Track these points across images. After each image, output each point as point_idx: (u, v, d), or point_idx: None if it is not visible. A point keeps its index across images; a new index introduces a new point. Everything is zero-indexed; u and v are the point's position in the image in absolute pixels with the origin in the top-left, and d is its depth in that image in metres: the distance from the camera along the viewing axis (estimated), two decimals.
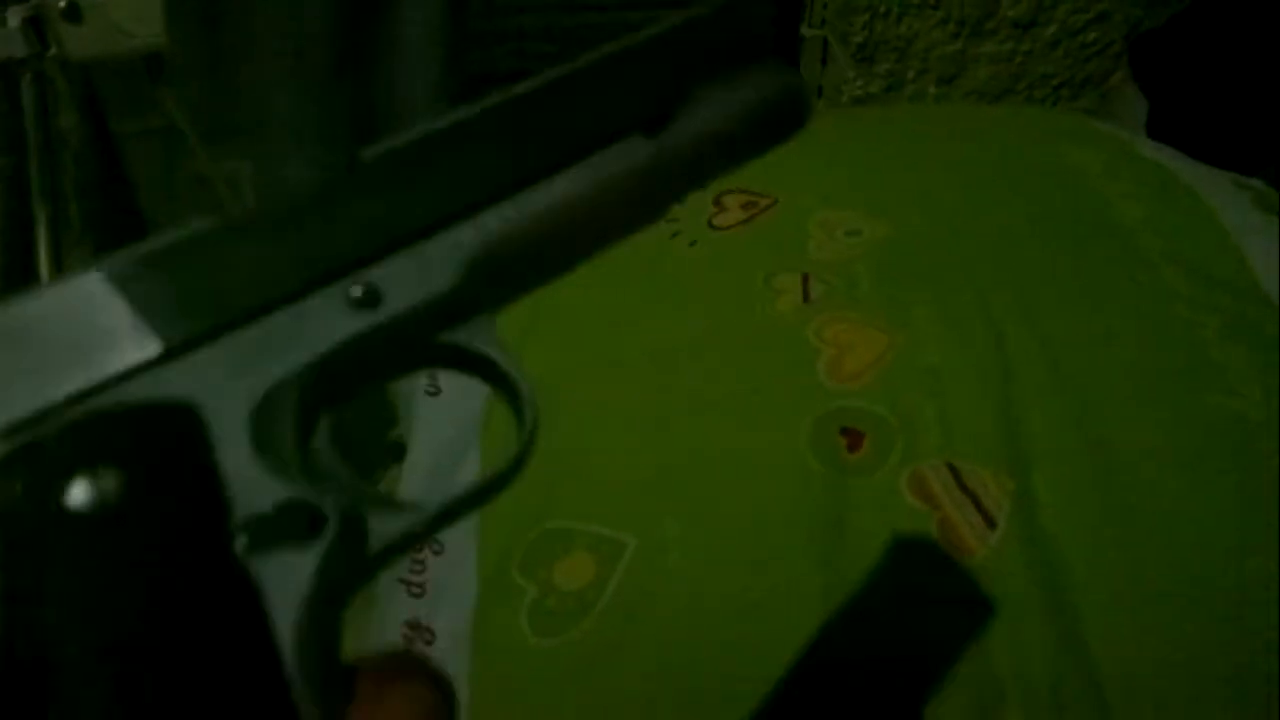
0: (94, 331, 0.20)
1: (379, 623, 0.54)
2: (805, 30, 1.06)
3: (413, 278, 0.22)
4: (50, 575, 0.18)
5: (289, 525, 0.19)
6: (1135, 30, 1.10)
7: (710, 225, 0.66)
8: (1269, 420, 0.52)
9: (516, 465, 0.23)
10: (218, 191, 0.77)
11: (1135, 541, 0.49)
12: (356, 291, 0.22)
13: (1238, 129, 0.95)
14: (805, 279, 0.61)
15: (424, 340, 0.23)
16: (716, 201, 0.68)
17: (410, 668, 0.21)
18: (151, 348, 0.20)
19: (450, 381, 0.64)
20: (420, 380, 0.65)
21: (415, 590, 0.54)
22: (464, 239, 0.23)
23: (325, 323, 0.21)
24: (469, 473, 0.57)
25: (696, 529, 0.50)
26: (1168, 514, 0.50)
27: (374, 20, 0.83)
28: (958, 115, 0.85)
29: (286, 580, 0.19)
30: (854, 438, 0.54)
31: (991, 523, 0.50)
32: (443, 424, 0.61)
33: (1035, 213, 0.64)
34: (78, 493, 0.18)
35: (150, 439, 0.19)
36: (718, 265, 0.63)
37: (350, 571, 0.20)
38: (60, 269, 0.52)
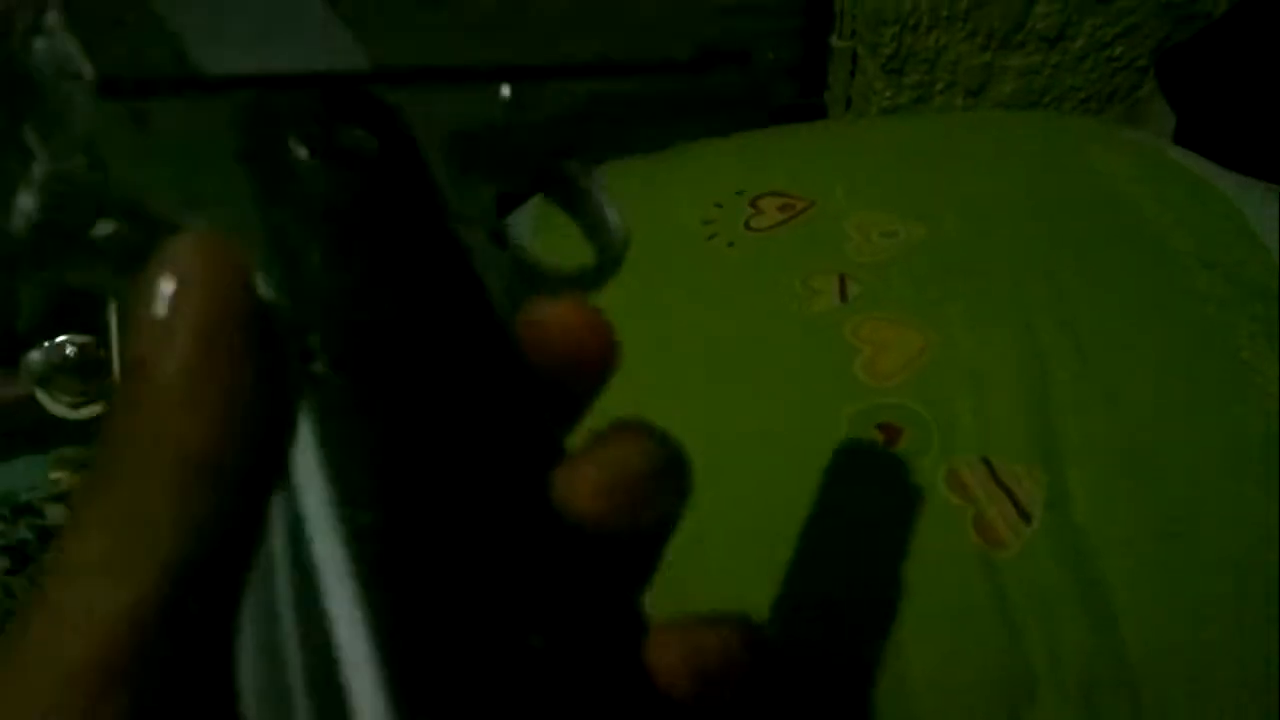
0: None
1: None
2: (835, 41, 1.08)
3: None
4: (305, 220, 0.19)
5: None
6: (1163, 44, 1.11)
7: (747, 227, 0.68)
8: None
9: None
10: None
11: (1166, 535, 0.50)
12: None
13: (1266, 143, 0.96)
14: (842, 280, 0.62)
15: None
16: (753, 204, 0.69)
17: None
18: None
19: None
20: None
21: None
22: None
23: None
24: None
25: (735, 522, 0.51)
26: (1198, 510, 0.51)
27: None
28: (988, 121, 0.86)
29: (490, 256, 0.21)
30: (891, 433, 0.55)
31: (1026, 516, 0.51)
32: None
33: (1066, 215, 0.65)
34: (345, 138, 0.21)
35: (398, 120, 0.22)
36: (755, 266, 0.65)
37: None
38: None
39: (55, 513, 0.48)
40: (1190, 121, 1.02)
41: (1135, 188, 0.66)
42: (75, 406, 0.69)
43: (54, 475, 0.70)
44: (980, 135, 0.75)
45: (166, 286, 0.17)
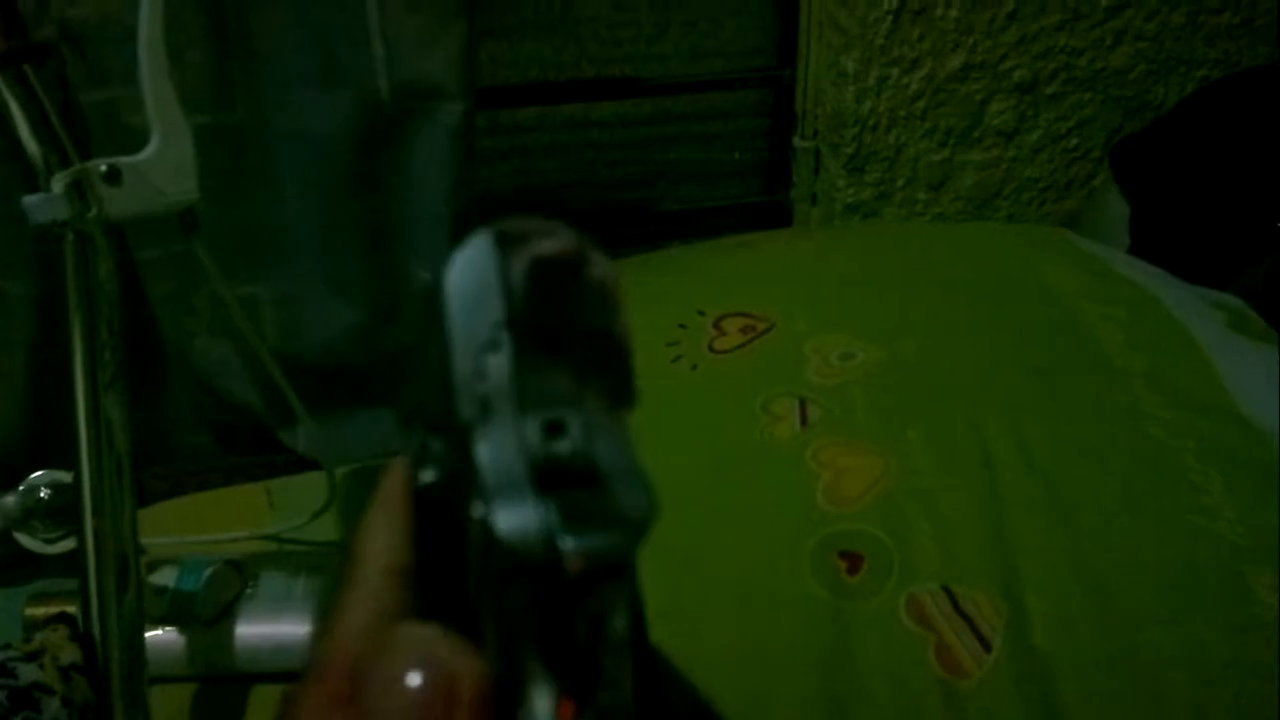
0: None
1: None
2: (798, 141, 1.11)
3: None
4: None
5: None
6: (1116, 135, 1.15)
7: (710, 349, 0.69)
8: (1243, 539, 0.54)
9: None
10: (234, 313, 0.80)
11: (1124, 658, 0.51)
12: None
13: (1217, 230, 0.99)
14: (802, 404, 0.64)
15: None
16: (716, 325, 0.71)
17: None
18: None
19: None
20: None
21: None
22: None
23: None
24: None
25: (698, 661, 0.52)
26: (1154, 632, 0.52)
27: (387, 147, 0.87)
28: (943, 235, 0.88)
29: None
30: (853, 560, 0.56)
31: (987, 646, 0.52)
32: None
33: (1019, 334, 0.67)
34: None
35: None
36: (717, 390, 0.66)
37: None
38: (97, 412, 0.55)
39: (28, 672, 0.48)
40: (1144, 210, 1.05)
41: (1085, 305, 0.68)
42: (50, 542, 0.70)
43: (29, 611, 0.71)
44: (935, 252, 0.77)
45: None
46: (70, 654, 0.51)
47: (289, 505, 0.81)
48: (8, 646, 0.51)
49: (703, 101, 1.11)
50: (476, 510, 0.20)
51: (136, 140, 0.58)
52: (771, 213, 1.15)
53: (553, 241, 0.22)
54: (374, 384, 0.95)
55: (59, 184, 0.52)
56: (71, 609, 0.57)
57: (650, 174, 1.12)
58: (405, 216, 0.90)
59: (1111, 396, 0.62)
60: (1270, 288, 0.83)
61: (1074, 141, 1.15)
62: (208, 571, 0.70)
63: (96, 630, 0.53)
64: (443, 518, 0.22)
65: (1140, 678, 0.51)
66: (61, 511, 0.62)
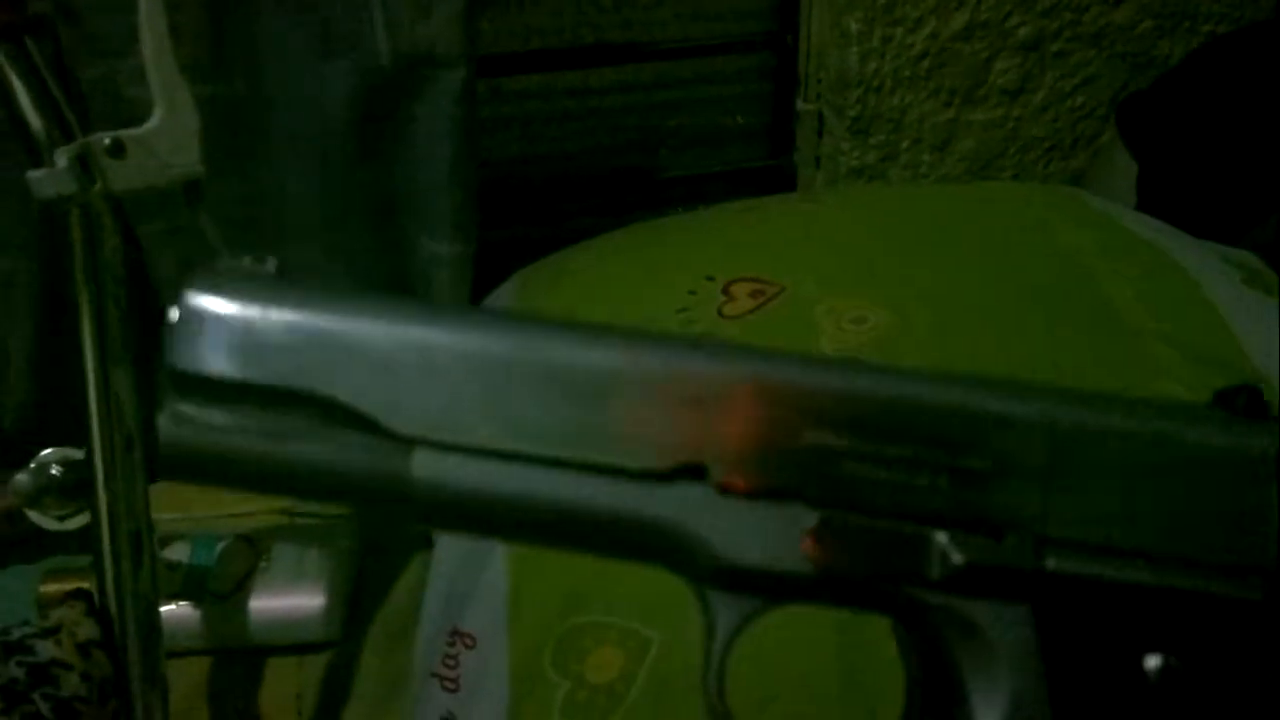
0: None
1: (414, 717, 0.56)
2: (801, 104, 1.10)
3: None
4: None
5: None
6: (1122, 92, 1.14)
7: (721, 314, 0.69)
8: None
9: None
10: None
11: None
12: None
13: (1226, 186, 0.98)
14: None
15: None
16: (725, 290, 0.70)
17: None
18: None
19: None
20: None
21: (449, 685, 0.56)
22: None
23: None
24: (498, 567, 0.59)
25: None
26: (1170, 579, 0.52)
27: (389, 115, 0.86)
28: (951, 195, 0.88)
29: None
30: None
31: None
32: None
33: (1030, 295, 0.66)
34: (1154, 667, 0.22)
35: (1216, 627, 0.23)
36: None
37: None
38: (107, 388, 0.55)
39: (46, 649, 0.48)
40: (1151, 167, 1.05)
41: (1096, 264, 0.68)
42: (62, 520, 0.69)
43: (43, 589, 0.71)
44: (944, 212, 0.77)
45: None
46: (88, 630, 0.51)
47: None
48: (25, 623, 0.51)
49: (704, 66, 1.10)
50: None
51: (136, 113, 0.57)
52: (775, 177, 1.14)
53: None
54: None
55: (63, 158, 0.52)
56: (87, 585, 0.57)
57: (652, 140, 1.11)
58: (410, 186, 0.90)
59: (1126, 355, 0.61)
60: None
61: (1080, 100, 1.14)
62: (221, 546, 0.70)
63: (113, 606, 0.54)
64: None
65: None
66: (73, 488, 0.61)
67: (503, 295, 0.81)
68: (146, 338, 0.82)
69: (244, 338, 0.23)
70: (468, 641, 0.57)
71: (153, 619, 0.57)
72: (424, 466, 0.23)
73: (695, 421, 0.23)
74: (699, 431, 0.23)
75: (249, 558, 0.71)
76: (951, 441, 0.23)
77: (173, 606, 0.69)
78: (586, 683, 0.53)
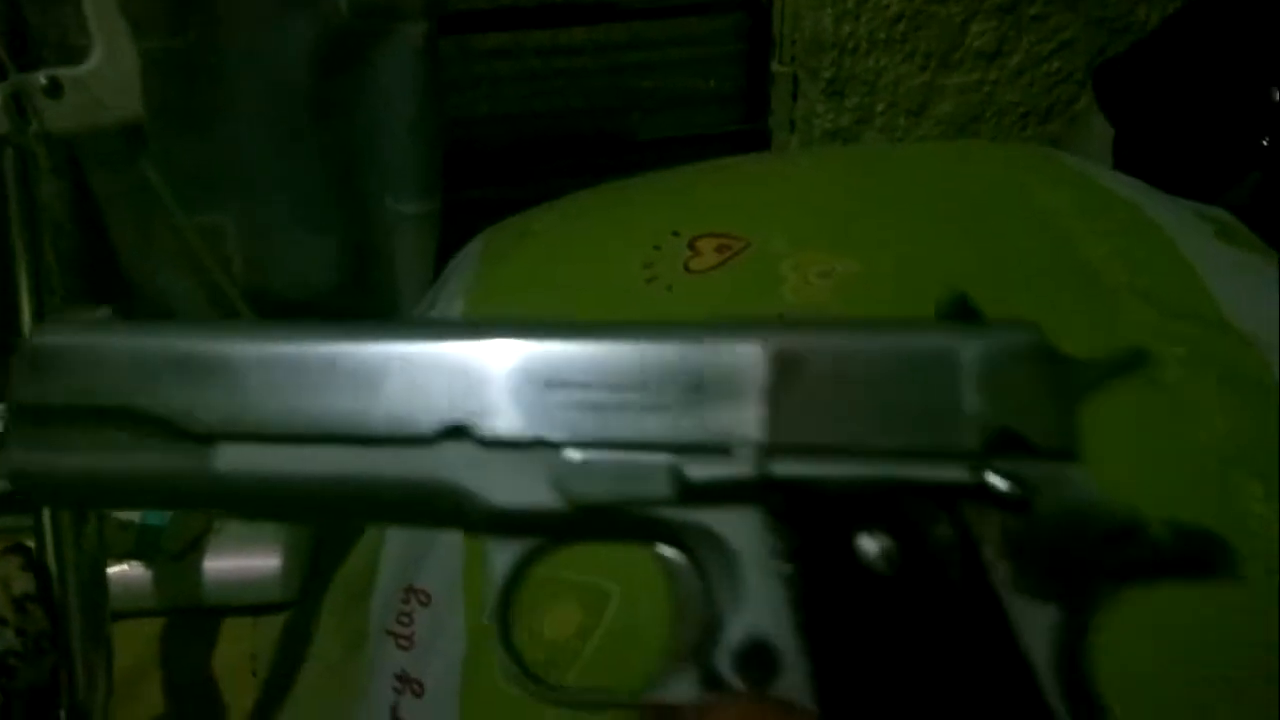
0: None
1: (369, 676, 0.55)
2: (775, 67, 1.08)
3: None
4: (848, 630, 0.23)
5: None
6: (1098, 57, 1.13)
7: (686, 269, 0.67)
8: (1233, 450, 0.53)
9: None
10: (190, 241, 0.77)
11: None
12: None
13: (1202, 151, 0.97)
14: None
15: None
16: (691, 245, 0.69)
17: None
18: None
19: None
20: None
21: (403, 643, 0.54)
22: None
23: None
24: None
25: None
26: None
27: (349, 70, 0.84)
28: (927, 154, 0.86)
29: (1040, 625, 0.23)
30: None
31: None
32: None
33: (1003, 251, 0.65)
34: (865, 546, 0.24)
35: (916, 506, 0.24)
36: (694, 311, 0.64)
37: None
38: None
39: None
40: (1128, 132, 1.04)
41: (1071, 222, 0.66)
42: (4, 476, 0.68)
43: None
44: (918, 170, 0.75)
45: None
46: (23, 584, 0.49)
47: None
48: None
49: (677, 27, 1.08)
50: None
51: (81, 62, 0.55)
52: (749, 141, 1.12)
53: None
54: (348, 318, 0.93)
55: None
56: (29, 542, 0.55)
57: (624, 102, 1.10)
58: (373, 144, 0.88)
59: (1097, 310, 0.60)
60: (1256, 204, 0.82)
61: (1056, 64, 1.13)
62: None
63: (52, 562, 0.52)
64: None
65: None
66: None
67: (467, 255, 0.80)
68: (101, 301, 0.80)
69: (69, 368, 0.27)
70: (422, 598, 0.55)
71: (97, 576, 0.55)
72: (224, 459, 0.26)
73: (452, 389, 0.26)
74: (457, 397, 0.26)
75: (203, 517, 0.69)
76: (679, 378, 0.26)
77: (124, 566, 0.67)
78: (543, 639, 0.51)
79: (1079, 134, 1.11)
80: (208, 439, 0.26)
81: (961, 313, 0.28)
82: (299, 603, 0.68)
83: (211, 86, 0.83)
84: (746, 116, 1.13)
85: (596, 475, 0.25)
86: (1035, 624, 0.23)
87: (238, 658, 0.66)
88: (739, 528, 0.24)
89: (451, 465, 0.26)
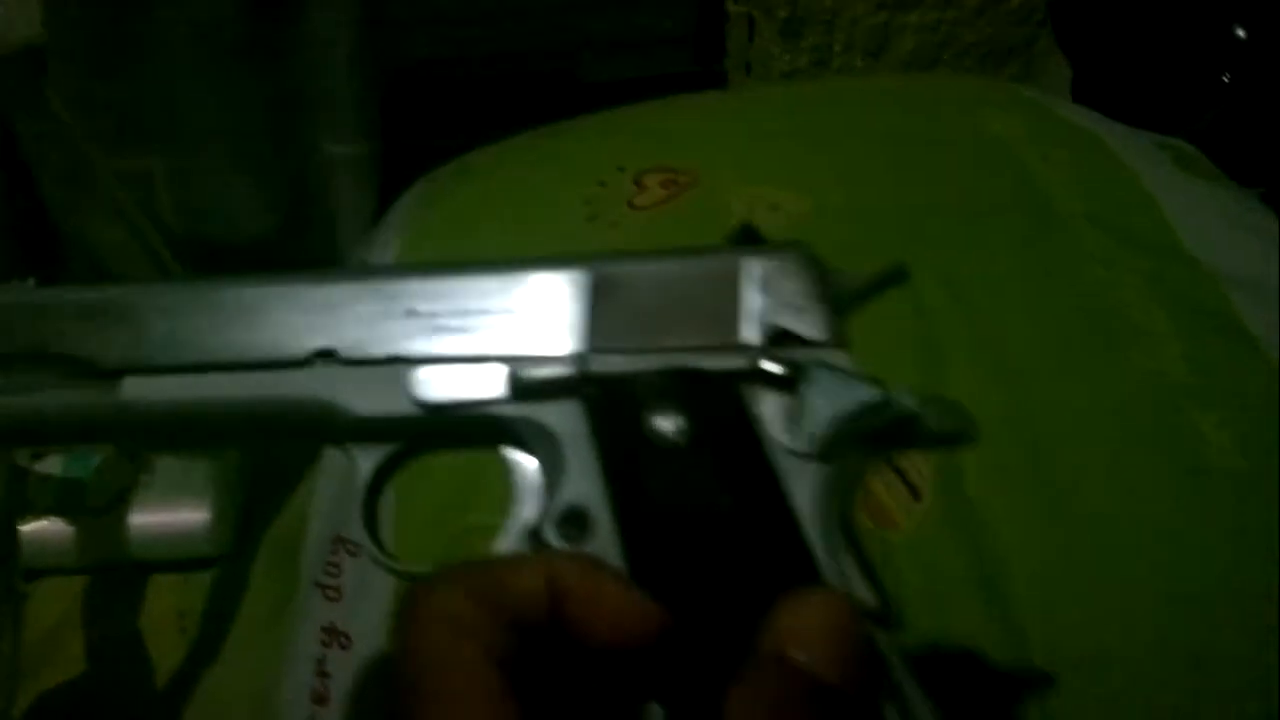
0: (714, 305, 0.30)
1: (295, 629, 0.53)
2: (731, 6, 1.05)
3: None
4: (648, 492, 0.27)
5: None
6: None
7: (631, 206, 0.65)
8: (1189, 379, 0.51)
9: None
10: (106, 184, 0.74)
11: (1062, 507, 0.48)
12: None
13: (1160, 88, 0.95)
14: None
15: None
16: (637, 181, 0.66)
17: None
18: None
19: None
20: None
21: (331, 594, 0.52)
22: None
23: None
24: None
25: None
26: (1093, 479, 0.49)
27: (283, 6, 0.80)
28: (880, 87, 0.84)
29: (803, 476, 0.27)
30: None
31: (917, 494, 0.49)
32: None
33: (955, 182, 0.63)
34: (659, 424, 0.28)
35: (703, 388, 0.29)
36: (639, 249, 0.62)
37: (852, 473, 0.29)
38: None
39: None
40: (1086, 72, 1.02)
41: (1026, 150, 0.64)
42: None
43: None
44: (871, 104, 0.73)
45: None
46: None
47: None
48: None
49: None
50: None
51: None
52: (704, 83, 1.08)
53: None
54: (277, 262, 0.89)
55: None
56: None
57: (574, 43, 1.06)
58: (308, 85, 0.84)
59: (1051, 238, 0.58)
60: (1215, 138, 0.80)
61: (1015, 3, 1.10)
62: (98, 458, 0.66)
63: None
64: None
65: (1082, 526, 0.48)
66: None
67: (406, 198, 0.76)
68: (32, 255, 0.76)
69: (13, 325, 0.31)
70: (350, 548, 0.53)
71: (7, 530, 0.52)
72: (129, 390, 0.30)
73: (323, 320, 0.30)
74: (326, 327, 0.30)
75: (128, 470, 0.66)
76: (516, 300, 0.30)
77: (44, 522, 0.64)
78: None
79: (1037, 75, 1.09)
80: (115, 374, 0.30)
81: (748, 238, 0.33)
82: (229, 557, 0.65)
83: (136, 20, 0.79)
84: (701, 58, 1.10)
85: (444, 382, 0.30)
86: (801, 481, 0.27)
87: (165, 615, 0.64)
88: (562, 417, 0.29)
89: (321, 383, 0.30)
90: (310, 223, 0.89)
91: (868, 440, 0.28)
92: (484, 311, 0.30)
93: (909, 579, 0.46)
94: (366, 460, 0.31)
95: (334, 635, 0.50)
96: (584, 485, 0.27)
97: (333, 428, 0.30)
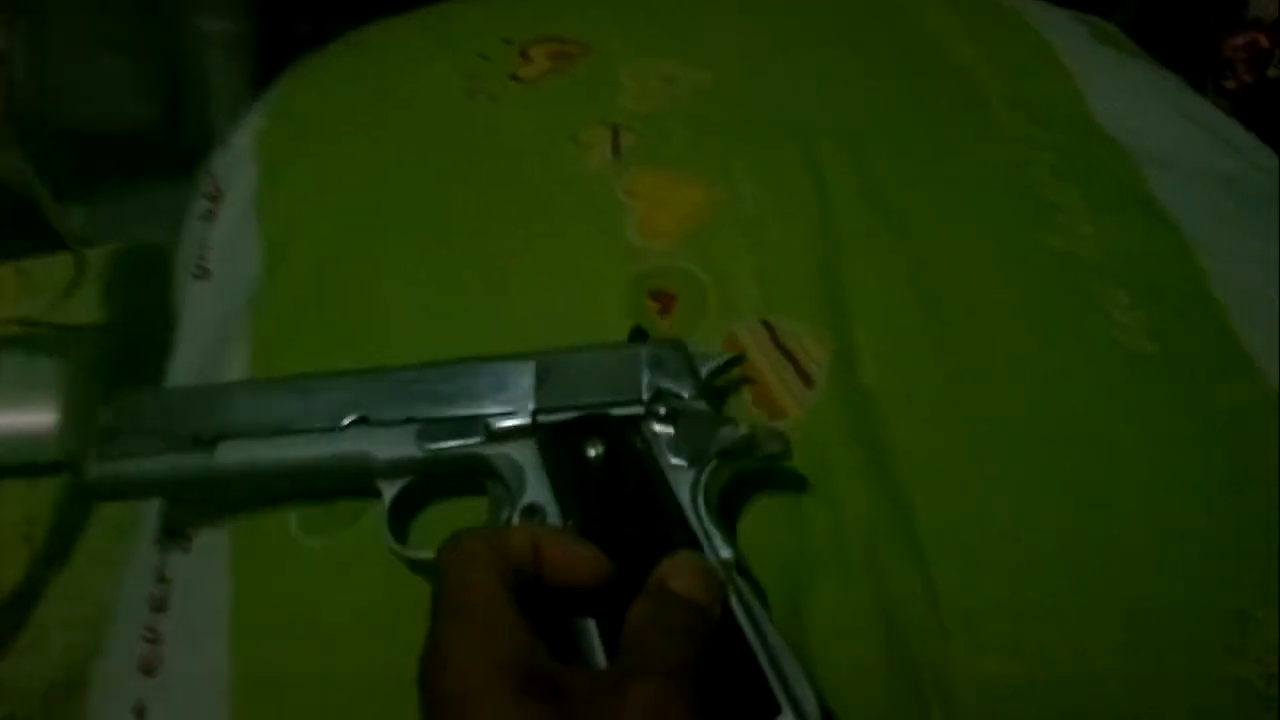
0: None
1: (138, 534, 0.48)
2: None
3: None
4: (583, 494, 0.40)
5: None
6: None
7: (514, 79, 0.60)
8: (1100, 258, 0.48)
9: None
10: None
11: (962, 392, 0.45)
12: None
13: None
14: (615, 131, 0.55)
15: None
16: (523, 53, 0.61)
17: None
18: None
19: (220, 266, 0.56)
20: (189, 263, 0.58)
21: None
22: None
23: None
24: (239, 359, 0.50)
25: None
26: (998, 362, 0.46)
27: None
28: None
29: (683, 479, 0.40)
30: (665, 300, 0.49)
31: (809, 382, 0.45)
32: (211, 308, 0.54)
33: (863, 55, 0.59)
34: (589, 450, 0.40)
35: (615, 427, 0.41)
36: (521, 122, 0.57)
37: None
38: None
39: None
40: None
41: (938, 22, 0.61)
42: None
43: None
44: None
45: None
46: None
47: (44, 286, 0.70)
48: None
49: None
50: None
51: None
52: None
53: None
54: (154, 151, 0.83)
55: None
56: None
57: None
58: None
59: (961, 114, 0.55)
60: (1140, 24, 0.77)
61: None
62: None
63: None
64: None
65: (983, 411, 0.45)
66: None
67: (283, 79, 0.70)
68: None
69: (132, 413, 0.44)
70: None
71: None
72: (221, 454, 0.42)
73: (357, 398, 0.43)
74: (361, 401, 0.43)
75: None
76: (486, 379, 0.43)
77: None
78: None
79: None
80: (212, 442, 0.42)
81: (640, 336, 0.46)
82: (80, 462, 0.60)
83: None
84: None
85: (440, 434, 0.42)
86: (682, 480, 0.40)
87: (10, 525, 0.58)
88: (522, 451, 0.41)
89: (357, 440, 0.42)
90: (187, 106, 0.83)
91: (719, 454, 0.40)
92: (469, 387, 0.43)
93: (801, 464, 0.43)
94: (389, 489, 0.42)
95: (175, 537, 0.46)
96: (539, 491, 0.40)
97: (366, 470, 0.42)
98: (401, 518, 0.42)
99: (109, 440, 0.42)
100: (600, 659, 0.35)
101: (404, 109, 0.59)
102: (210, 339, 0.53)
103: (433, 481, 0.42)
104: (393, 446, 0.42)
